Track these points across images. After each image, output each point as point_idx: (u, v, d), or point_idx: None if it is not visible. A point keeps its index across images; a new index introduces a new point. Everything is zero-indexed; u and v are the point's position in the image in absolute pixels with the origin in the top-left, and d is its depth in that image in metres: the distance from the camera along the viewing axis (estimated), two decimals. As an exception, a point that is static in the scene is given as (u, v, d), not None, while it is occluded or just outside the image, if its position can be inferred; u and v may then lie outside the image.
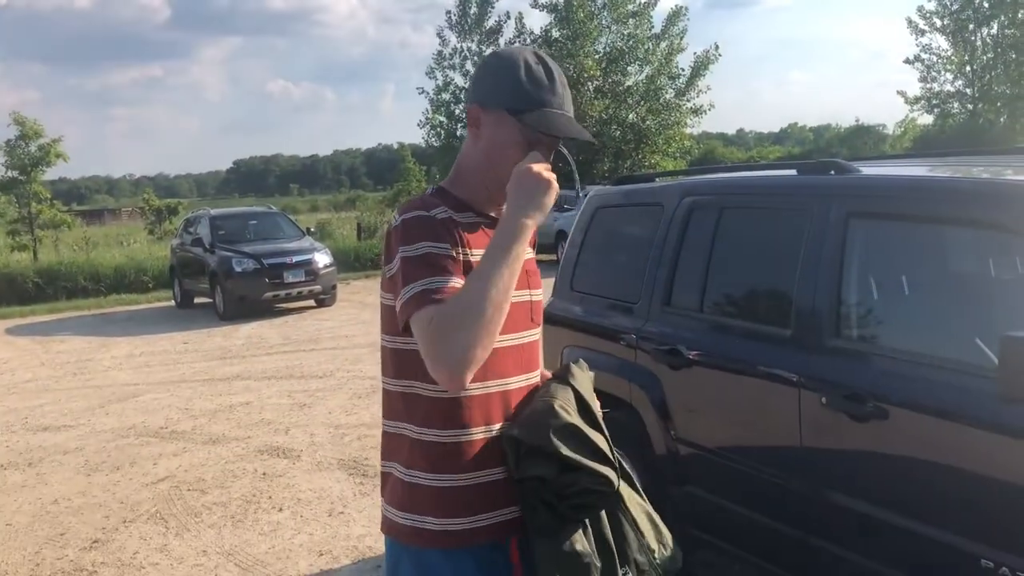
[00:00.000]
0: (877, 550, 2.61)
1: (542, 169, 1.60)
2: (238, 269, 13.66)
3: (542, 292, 1.86)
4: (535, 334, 1.79)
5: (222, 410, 7.80)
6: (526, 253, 1.63)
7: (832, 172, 3.05)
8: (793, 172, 3.26)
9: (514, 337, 1.70)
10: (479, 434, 1.65)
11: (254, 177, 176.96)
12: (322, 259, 14.26)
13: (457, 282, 1.56)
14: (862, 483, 2.69)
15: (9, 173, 20.18)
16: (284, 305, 14.54)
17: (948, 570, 2.41)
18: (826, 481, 2.78)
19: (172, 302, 16.32)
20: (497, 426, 1.67)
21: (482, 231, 1.69)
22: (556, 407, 1.64)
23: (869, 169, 3.09)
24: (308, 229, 16.90)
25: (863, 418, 2.63)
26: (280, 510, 5.18)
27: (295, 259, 13.94)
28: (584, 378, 1.79)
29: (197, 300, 15.41)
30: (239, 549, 4.63)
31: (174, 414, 7.77)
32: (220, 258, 13.97)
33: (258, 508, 5.23)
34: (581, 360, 1.88)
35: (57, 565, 4.55)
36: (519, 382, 1.71)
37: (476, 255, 1.62)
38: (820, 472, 2.81)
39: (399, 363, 1.68)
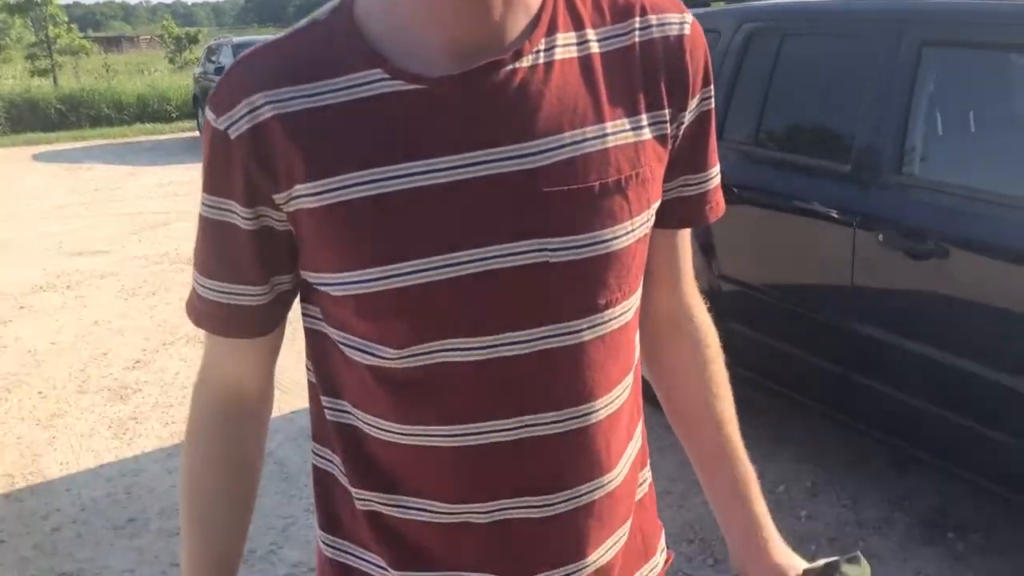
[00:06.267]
0: (924, 387, 2.61)
1: None
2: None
3: (627, 233, 0.80)
4: (571, 333, 0.79)
5: (253, 240, 7.83)
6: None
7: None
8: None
9: (500, 343, 0.78)
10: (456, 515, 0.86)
11: (273, 7, 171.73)
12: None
13: (238, 294, 0.88)
14: (914, 321, 2.65)
15: (24, -6, 19.68)
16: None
17: (1004, 411, 2.40)
18: (874, 319, 2.75)
19: (196, 132, 16.17)
20: (497, 503, 0.83)
21: (403, 116, 0.75)
22: None
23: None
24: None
25: (922, 256, 2.56)
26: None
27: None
28: None
29: (221, 131, 15.24)
30: (277, 374, 4.73)
31: (206, 243, 7.80)
32: (244, 87, 13.68)
33: (293, 338, 5.32)
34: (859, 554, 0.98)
35: (103, 383, 4.69)
36: (545, 427, 0.81)
37: (379, 178, 0.75)
38: (870, 310, 2.77)
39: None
